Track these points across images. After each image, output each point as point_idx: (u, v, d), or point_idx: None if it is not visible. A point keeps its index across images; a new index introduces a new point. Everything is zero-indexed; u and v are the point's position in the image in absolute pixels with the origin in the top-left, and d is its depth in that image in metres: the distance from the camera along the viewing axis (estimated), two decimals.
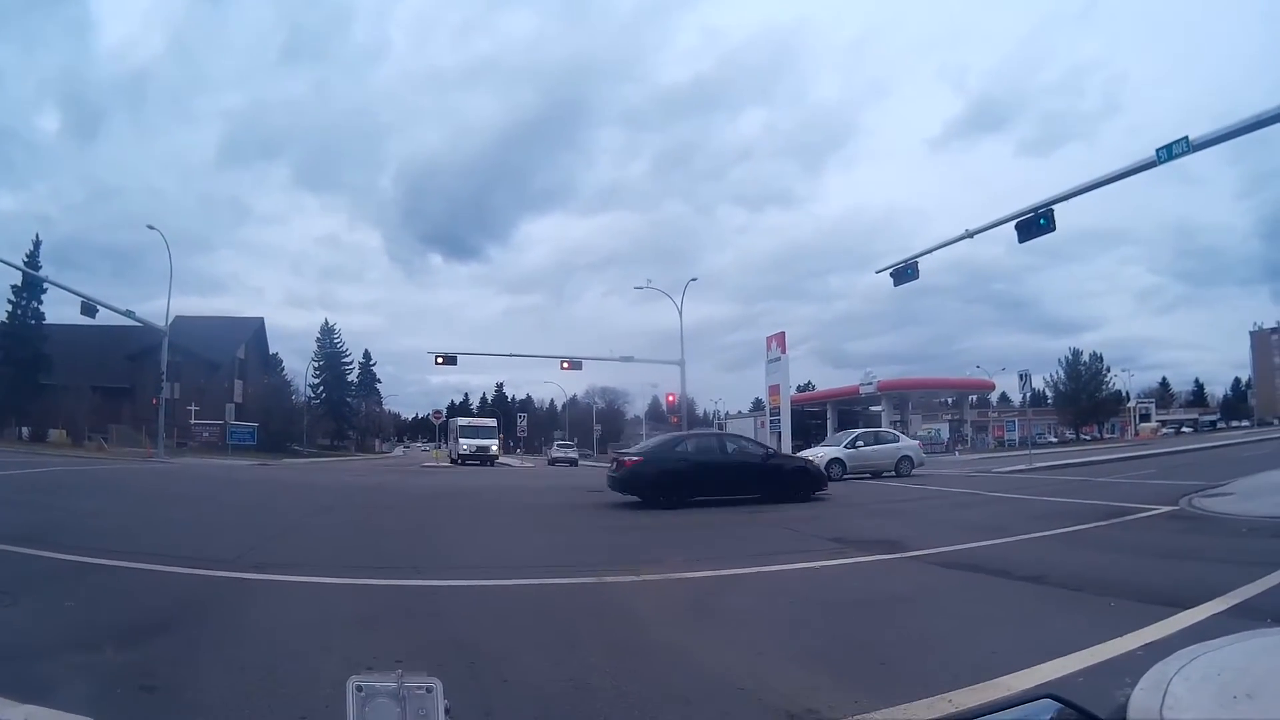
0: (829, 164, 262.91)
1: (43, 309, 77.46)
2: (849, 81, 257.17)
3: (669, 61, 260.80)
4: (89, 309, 52.85)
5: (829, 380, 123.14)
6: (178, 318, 70.00)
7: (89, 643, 6.64)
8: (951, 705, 5.03)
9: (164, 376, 59.59)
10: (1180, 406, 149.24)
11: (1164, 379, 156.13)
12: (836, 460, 33.64)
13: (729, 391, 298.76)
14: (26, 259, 70.72)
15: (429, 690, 2.06)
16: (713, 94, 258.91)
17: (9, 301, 76.67)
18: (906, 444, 38.55)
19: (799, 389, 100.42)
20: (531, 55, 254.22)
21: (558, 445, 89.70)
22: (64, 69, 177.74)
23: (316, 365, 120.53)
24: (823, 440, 36.32)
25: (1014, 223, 31.53)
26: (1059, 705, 2.11)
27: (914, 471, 35.44)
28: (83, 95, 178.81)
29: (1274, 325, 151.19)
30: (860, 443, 36.17)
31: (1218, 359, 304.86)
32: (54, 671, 5.90)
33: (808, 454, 33.97)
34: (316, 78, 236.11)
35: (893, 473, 35.06)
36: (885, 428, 47.43)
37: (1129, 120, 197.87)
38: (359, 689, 2.06)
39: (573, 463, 74.21)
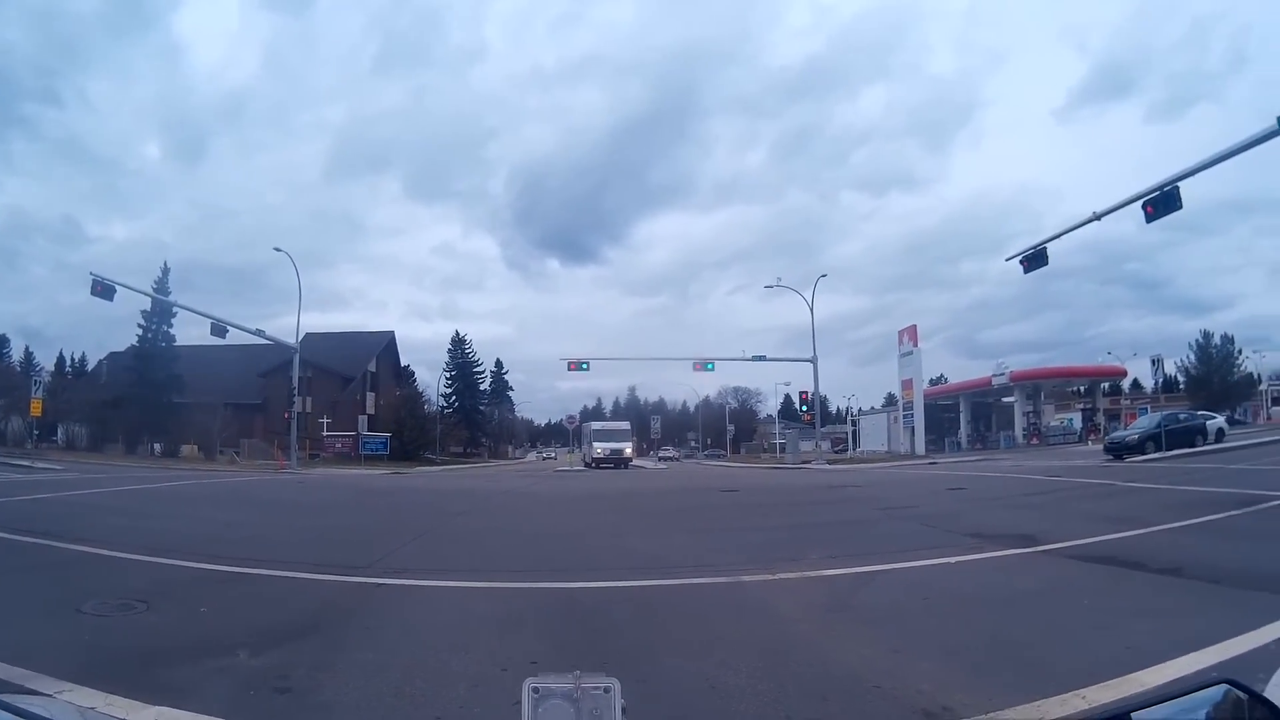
0: (953, 142, 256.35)
1: (173, 331, 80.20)
2: (967, 50, 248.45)
3: (779, 42, 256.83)
4: (219, 330, 54.72)
5: (962, 372, 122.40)
6: (308, 334, 72.46)
7: (223, 647, 6.81)
8: (1085, 702, 4.99)
9: (295, 391, 61.30)
10: None
11: None
12: None
13: (862, 387, 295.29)
14: (155, 285, 73.37)
15: (606, 690, 2.08)
16: (827, 73, 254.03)
17: (139, 326, 79.75)
18: None
19: (931, 382, 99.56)
20: (635, 45, 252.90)
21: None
22: (160, 96, 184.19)
23: (449, 375, 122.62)
24: None
25: (1141, 202, 30.91)
26: (1237, 692, 2.10)
27: None
28: (183, 120, 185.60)
29: None
30: None
31: None
32: (186, 675, 6.09)
33: None
34: (416, 84, 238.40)
35: None
36: None
37: (1257, 74, 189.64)
38: (535, 690, 2.08)
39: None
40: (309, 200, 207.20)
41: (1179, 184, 29.67)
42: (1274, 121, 25.49)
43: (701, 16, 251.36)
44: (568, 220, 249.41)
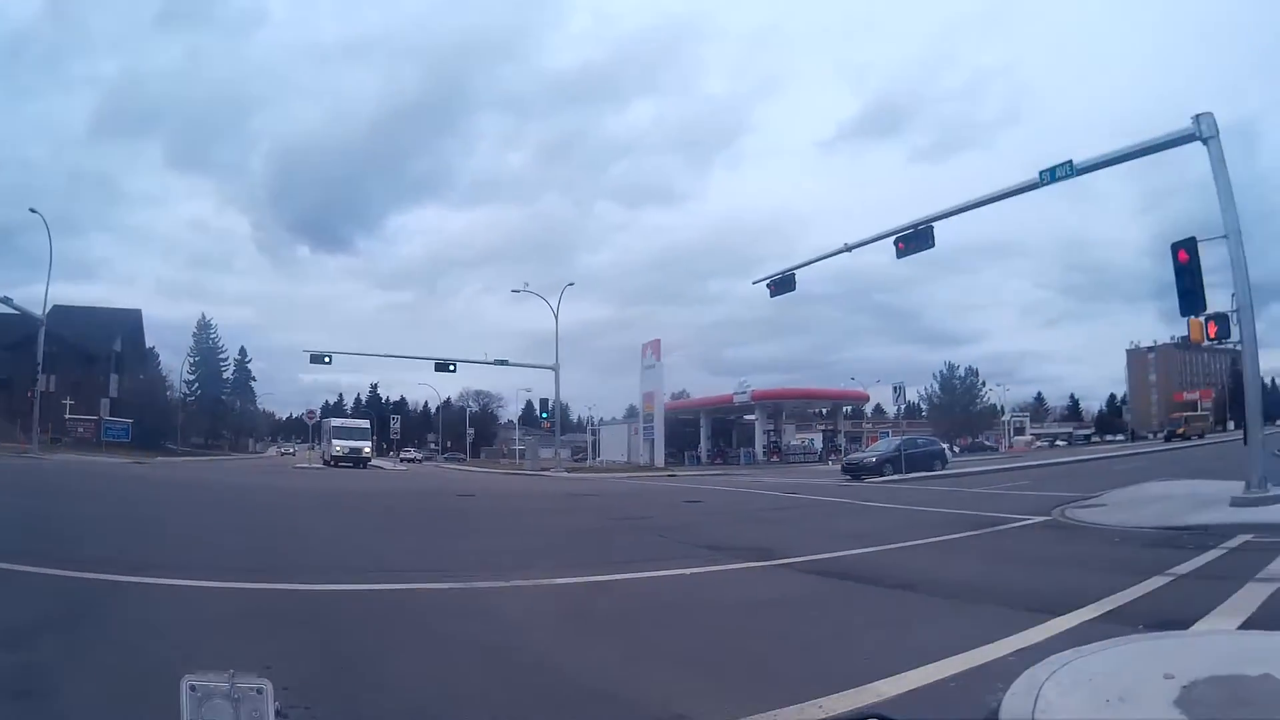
0: (715, 162, 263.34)
1: None
2: (742, 74, 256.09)
3: (559, 45, 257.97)
4: None
5: (705, 388, 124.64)
6: (55, 307, 68.44)
7: None
8: (822, 711, 5.10)
9: (40, 368, 57.79)
10: (1055, 421, 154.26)
11: (1039, 394, 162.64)
12: None
13: (604, 397, 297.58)
14: None
15: (259, 691, 2.13)
16: (601, 82, 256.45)
17: None
18: None
19: (674, 396, 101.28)
20: (417, 31, 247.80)
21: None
22: None
23: (192, 361, 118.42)
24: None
25: (893, 238, 31.82)
26: None
27: None
28: None
29: (1149, 345, 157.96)
30: None
31: (1097, 374, 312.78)
32: None
33: None
34: (193, 44, 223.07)
35: None
36: None
37: (1028, 130, 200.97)
38: (193, 689, 2.09)
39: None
40: (69, 159, 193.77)
41: (934, 224, 30.69)
42: (1035, 175, 26.55)
43: (486, 9, 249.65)
44: (323, 204, 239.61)
